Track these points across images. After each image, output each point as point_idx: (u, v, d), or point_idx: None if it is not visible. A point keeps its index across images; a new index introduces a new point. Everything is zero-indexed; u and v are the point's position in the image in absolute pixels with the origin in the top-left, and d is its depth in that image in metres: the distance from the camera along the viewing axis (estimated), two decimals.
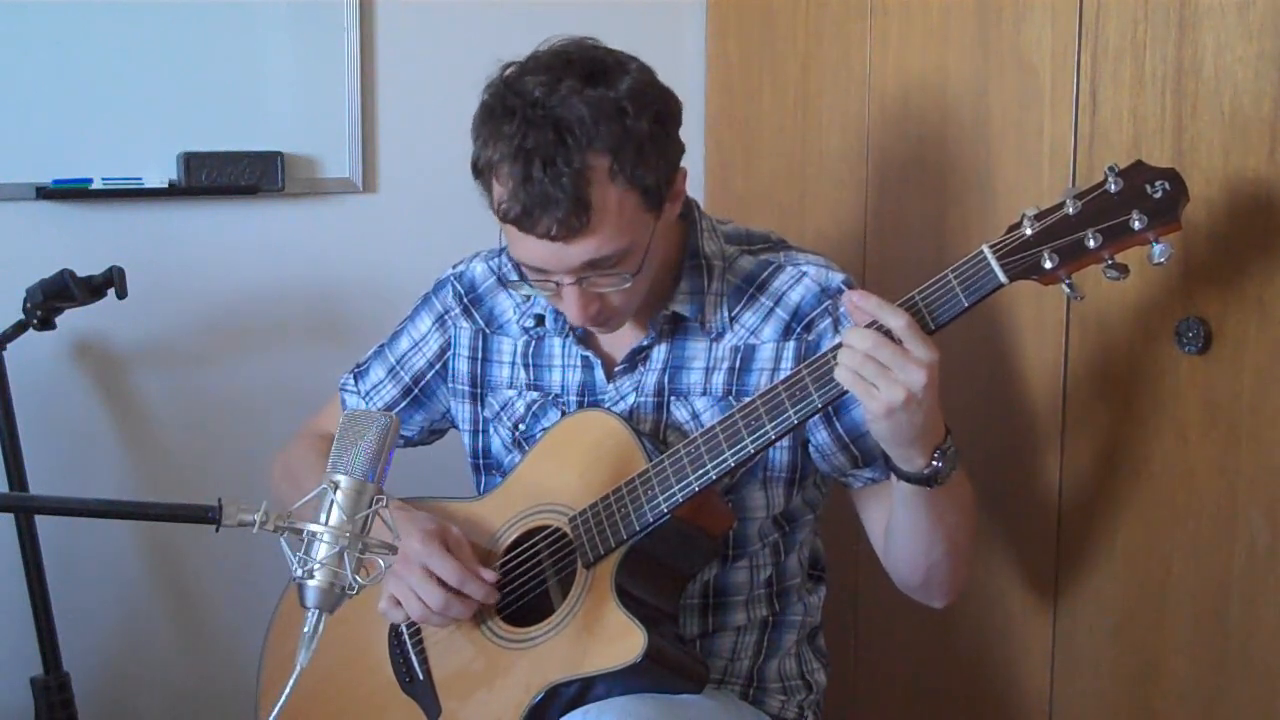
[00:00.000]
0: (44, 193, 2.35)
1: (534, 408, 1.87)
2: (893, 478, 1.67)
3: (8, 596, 2.34)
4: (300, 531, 1.41)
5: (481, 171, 1.68)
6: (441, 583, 1.72)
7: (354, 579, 1.40)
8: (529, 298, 1.87)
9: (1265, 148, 1.65)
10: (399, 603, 1.76)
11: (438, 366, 1.95)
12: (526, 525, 1.80)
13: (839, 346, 1.57)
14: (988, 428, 2.06)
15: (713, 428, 1.66)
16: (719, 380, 1.79)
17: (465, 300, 1.93)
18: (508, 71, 1.68)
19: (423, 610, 1.74)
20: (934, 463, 1.61)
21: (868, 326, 1.56)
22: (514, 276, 1.84)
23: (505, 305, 1.91)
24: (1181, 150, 1.74)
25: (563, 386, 1.86)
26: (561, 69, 1.64)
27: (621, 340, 1.84)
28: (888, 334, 1.54)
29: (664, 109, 1.68)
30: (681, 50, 2.74)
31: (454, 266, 1.96)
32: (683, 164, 1.73)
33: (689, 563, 1.76)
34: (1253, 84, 1.66)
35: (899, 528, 1.74)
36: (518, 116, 1.62)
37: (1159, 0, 1.76)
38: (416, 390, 1.97)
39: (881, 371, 1.53)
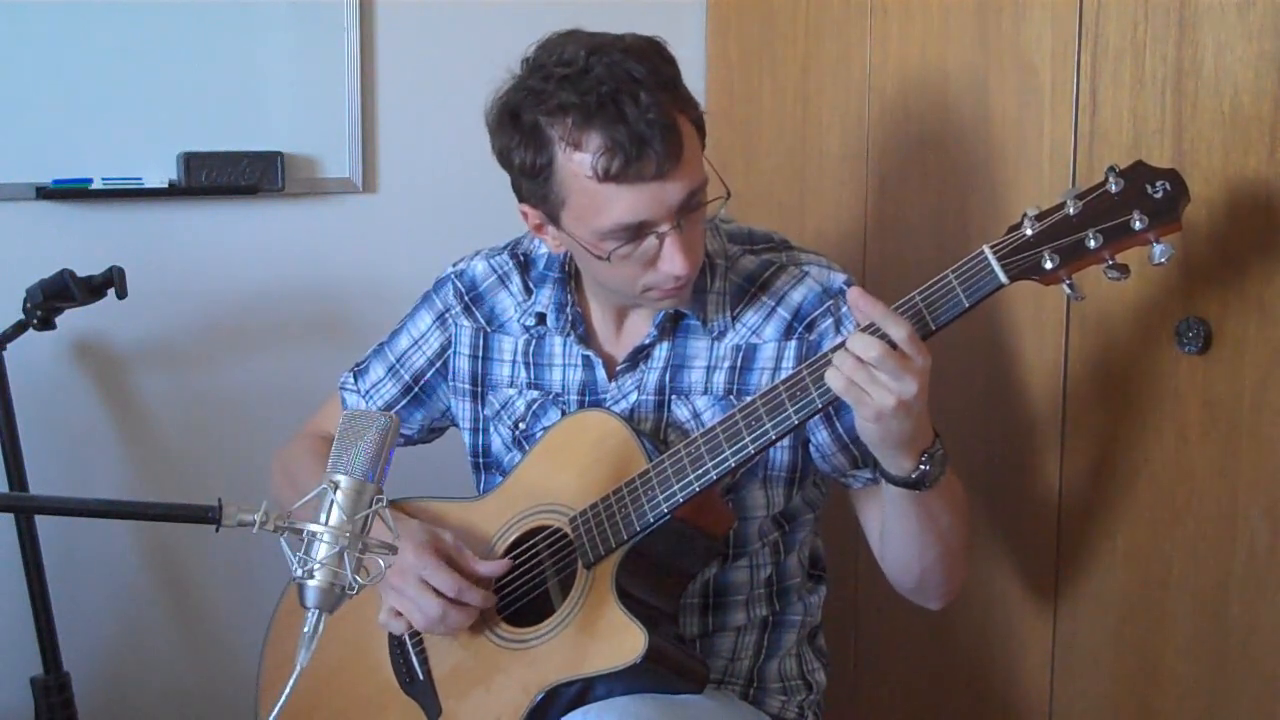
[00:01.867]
0: (44, 193, 2.35)
1: (534, 407, 1.87)
2: (883, 481, 1.67)
3: (8, 596, 2.35)
4: (300, 531, 1.41)
5: (541, 169, 1.65)
6: (439, 593, 1.73)
7: (354, 579, 1.40)
8: (531, 295, 1.87)
9: (1265, 148, 1.65)
10: (399, 614, 1.76)
11: (438, 365, 1.95)
12: (527, 525, 1.80)
13: (840, 347, 1.58)
14: (988, 428, 2.06)
15: (713, 427, 1.66)
16: (720, 379, 1.79)
17: (466, 299, 1.93)
18: (529, 60, 1.67)
19: (424, 621, 1.74)
20: (921, 466, 1.62)
21: (865, 329, 1.56)
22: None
23: (506, 304, 1.91)
24: (1181, 150, 1.74)
25: (563, 385, 1.86)
26: (584, 38, 1.65)
27: (622, 339, 1.84)
28: (885, 339, 1.54)
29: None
30: (681, 50, 2.73)
31: (454, 265, 1.96)
32: None
33: (689, 563, 1.76)
34: (1253, 84, 1.66)
35: (891, 531, 1.74)
36: (574, 80, 1.61)
37: (1159, 0, 1.76)
38: (417, 389, 1.96)
39: (873, 378, 1.53)
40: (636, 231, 1.64)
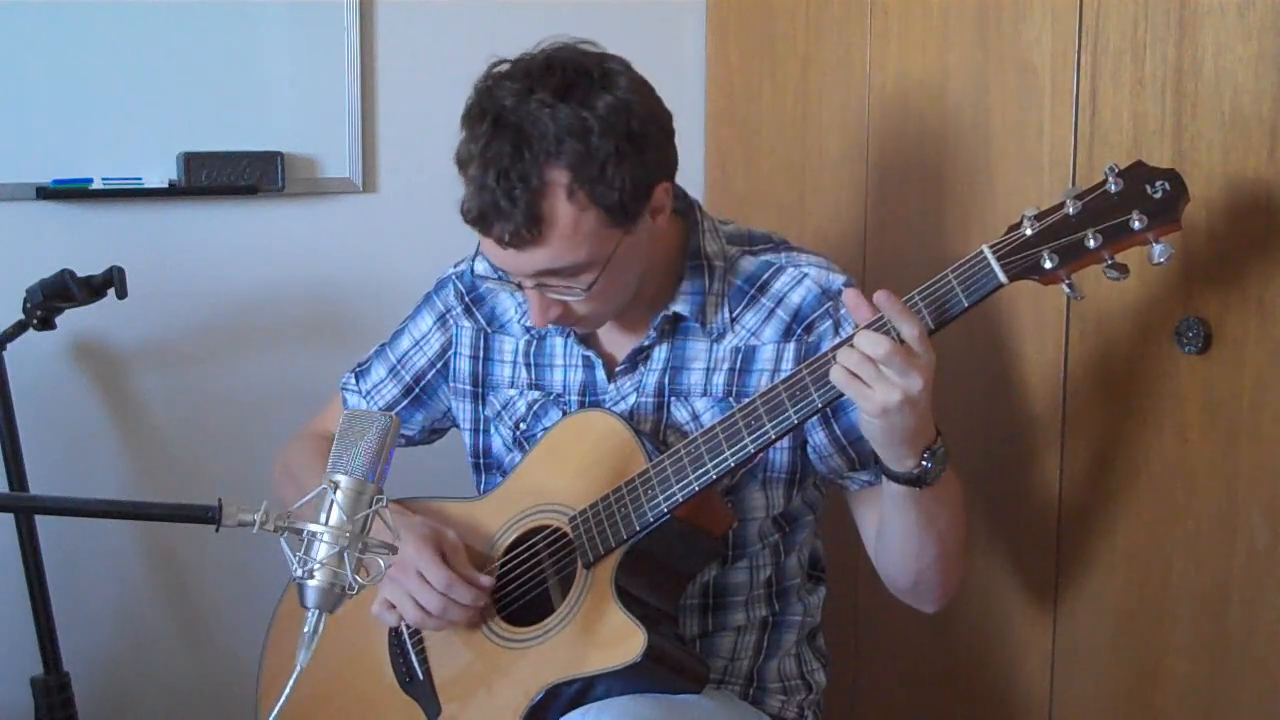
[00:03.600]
0: (44, 193, 2.35)
1: (535, 407, 1.87)
2: (883, 479, 1.67)
3: (8, 596, 2.34)
4: (300, 531, 1.41)
5: (461, 164, 1.69)
6: (434, 587, 1.73)
7: (354, 579, 1.40)
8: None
9: (1265, 148, 1.65)
10: (393, 606, 1.76)
11: (439, 365, 1.95)
12: (527, 525, 1.80)
13: (844, 344, 1.58)
14: (988, 428, 2.06)
15: (713, 427, 1.66)
16: (719, 381, 1.79)
17: (467, 299, 1.93)
18: (495, 70, 1.67)
19: (418, 614, 1.74)
20: (923, 463, 1.62)
21: (872, 325, 1.56)
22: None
23: (507, 304, 1.91)
24: (1181, 150, 1.74)
25: (564, 386, 1.86)
26: (539, 78, 1.63)
27: (623, 340, 1.84)
28: (892, 335, 1.54)
29: (641, 126, 1.64)
30: (681, 50, 2.74)
31: (455, 265, 1.97)
32: (672, 176, 1.72)
33: (689, 563, 1.76)
34: (1253, 84, 1.66)
35: (890, 530, 1.74)
36: (487, 121, 1.62)
37: (1159, 0, 1.76)
38: (418, 389, 1.97)
39: (879, 373, 1.53)
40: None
